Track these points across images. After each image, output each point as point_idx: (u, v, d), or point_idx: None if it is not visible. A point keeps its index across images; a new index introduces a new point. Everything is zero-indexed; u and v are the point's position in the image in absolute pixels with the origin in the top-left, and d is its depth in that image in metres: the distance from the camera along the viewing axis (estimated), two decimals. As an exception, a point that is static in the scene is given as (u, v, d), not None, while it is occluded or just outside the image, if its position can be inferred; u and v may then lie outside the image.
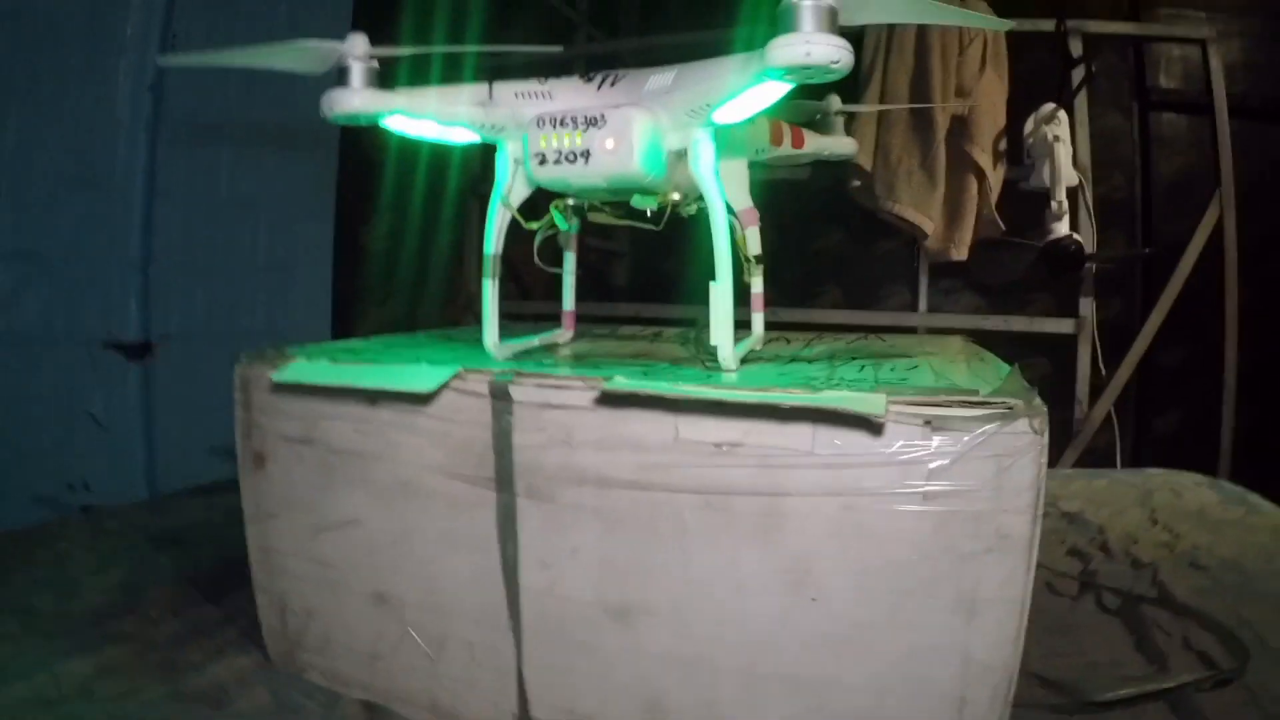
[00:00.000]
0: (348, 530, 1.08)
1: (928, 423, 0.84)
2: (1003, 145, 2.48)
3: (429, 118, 1.04)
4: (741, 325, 1.01)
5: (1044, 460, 0.83)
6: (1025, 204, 2.45)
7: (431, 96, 1.04)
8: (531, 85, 1.04)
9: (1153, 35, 2.87)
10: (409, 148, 2.49)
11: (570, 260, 1.29)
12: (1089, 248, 2.38)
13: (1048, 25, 2.58)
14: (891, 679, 0.88)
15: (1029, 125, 2.35)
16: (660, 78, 0.99)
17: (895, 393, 0.88)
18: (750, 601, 0.90)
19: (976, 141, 2.44)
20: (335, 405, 1.06)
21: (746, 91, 0.90)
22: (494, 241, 1.09)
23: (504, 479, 0.97)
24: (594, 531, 0.94)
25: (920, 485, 0.84)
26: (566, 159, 0.97)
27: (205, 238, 2.05)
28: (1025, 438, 0.83)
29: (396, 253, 2.64)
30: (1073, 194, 2.33)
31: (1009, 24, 1.00)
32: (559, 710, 1.01)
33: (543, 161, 0.98)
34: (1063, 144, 2.23)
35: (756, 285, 1.17)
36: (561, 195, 1.10)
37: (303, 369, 1.04)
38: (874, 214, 2.67)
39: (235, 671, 1.16)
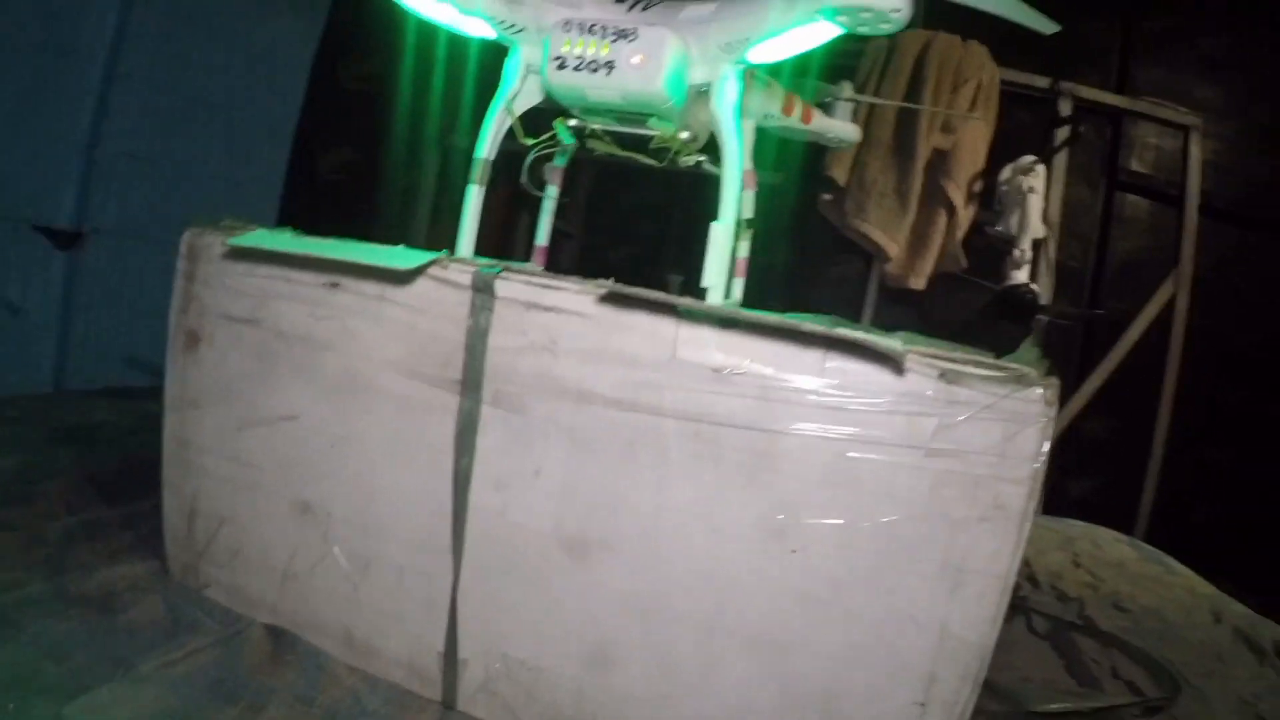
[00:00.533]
0: (280, 426, 0.98)
1: (942, 375, 0.78)
2: (978, 187, 2.53)
3: (449, 1, 0.99)
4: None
5: (1050, 433, 0.79)
6: (989, 250, 2.47)
7: None
8: None
9: (1140, 112, 2.96)
10: (381, 85, 2.42)
11: (553, 192, 1.22)
12: (1044, 299, 2.41)
13: (1042, 82, 2.65)
14: (862, 647, 0.82)
15: (1006, 173, 2.38)
16: (698, 8, 0.96)
17: (911, 342, 0.82)
18: (725, 547, 0.83)
19: (954, 177, 2.46)
20: (292, 285, 0.96)
21: (791, 30, 0.88)
22: (488, 146, 1.03)
23: (471, 382, 0.88)
24: (562, 451, 0.86)
25: (923, 441, 0.79)
26: (588, 67, 0.93)
27: (159, 133, 1.91)
28: (1036, 406, 0.78)
29: (351, 188, 2.52)
30: (1037, 248, 2.36)
31: (1054, 26, 0.99)
32: (491, 653, 0.91)
33: (562, 66, 0.94)
34: (1036, 196, 2.27)
35: (743, 250, 1.15)
36: (567, 114, 1.05)
37: (267, 236, 0.95)
38: (831, 237, 2.67)
39: (128, 579, 1.05)
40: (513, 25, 1.00)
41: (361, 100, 2.47)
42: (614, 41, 0.92)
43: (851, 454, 0.80)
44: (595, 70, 0.93)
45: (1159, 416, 2.66)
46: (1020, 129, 2.76)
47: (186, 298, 1.04)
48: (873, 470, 0.80)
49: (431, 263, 0.88)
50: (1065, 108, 2.63)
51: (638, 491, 0.84)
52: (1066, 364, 2.96)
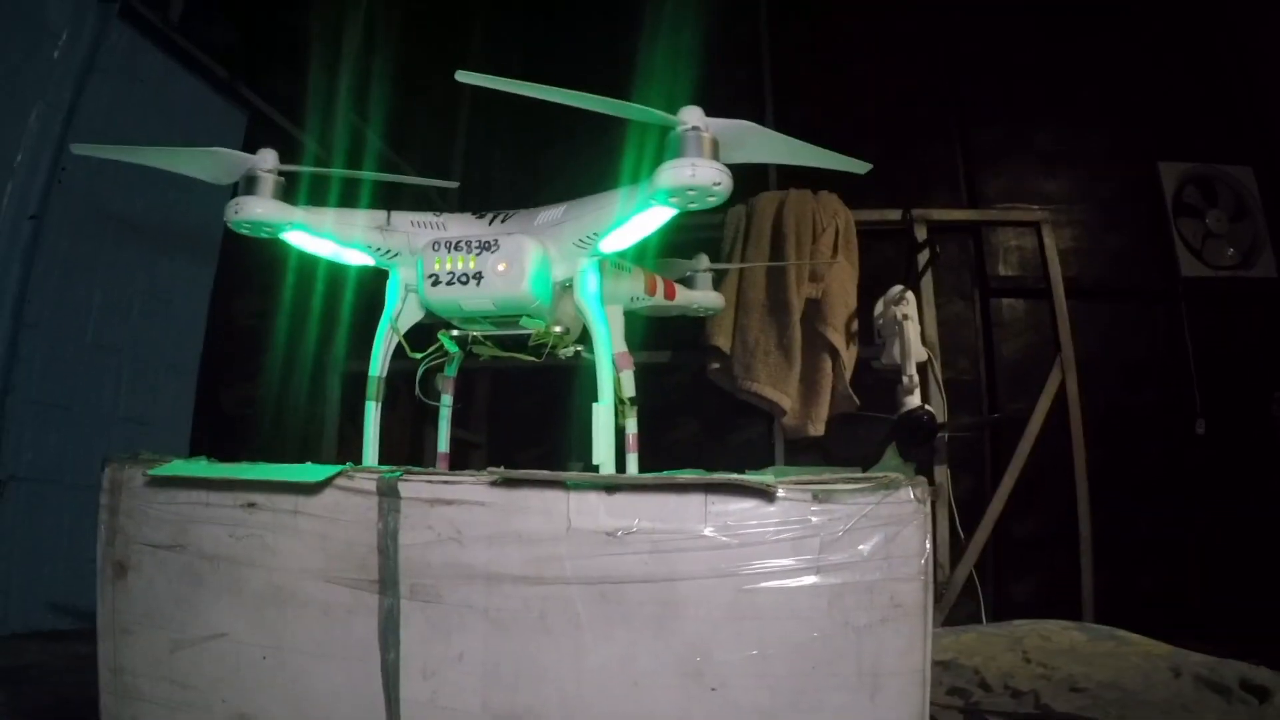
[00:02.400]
0: (212, 645, 1.00)
1: (816, 496, 0.86)
2: (854, 326, 2.64)
3: (328, 236, 1.10)
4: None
5: (929, 528, 0.86)
6: (882, 383, 2.59)
7: (330, 216, 1.10)
8: (427, 216, 1.12)
9: (991, 220, 3.17)
10: (272, 316, 2.53)
11: (448, 400, 1.29)
12: (940, 418, 2.48)
13: (895, 214, 2.84)
14: (796, 771, 0.85)
15: (879, 307, 2.50)
16: (550, 212, 1.08)
17: (781, 473, 0.90)
18: (648, 697, 0.87)
19: (830, 322, 2.58)
20: (210, 509, 1.01)
21: (633, 218, 0.99)
22: (380, 365, 1.11)
23: (388, 580, 0.93)
24: (481, 632, 0.90)
25: (812, 559, 0.85)
26: (459, 280, 1.03)
27: (68, 379, 1.96)
28: (909, 506, 0.85)
29: (256, 419, 2.59)
30: (923, 370, 2.46)
31: (865, 166, 1.08)
32: (443, 842, 0.92)
33: (436, 283, 1.04)
34: (911, 322, 2.37)
35: (631, 426, 1.21)
36: (448, 326, 1.15)
37: (184, 465, 1.00)
38: (729, 403, 2.77)
39: (79, 818, 1.03)
40: (388, 251, 1.10)
41: (257, 336, 2.55)
42: (479, 254, 1.02)
43: (747, 586, 0.85)
44: (466, 282, 1.03)
45: (1078, 499, 2.71)
46: (886, 261, 2.94)
47: (111, 530, 1.07)
48: (772, 598, 0.86)
49: (338, 474, 0.94)
50: (921, 233, 2.79)
51: (557, 659, 0.88)
52: (980, 474, 3.06)
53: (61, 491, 1.89)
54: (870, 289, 2.59)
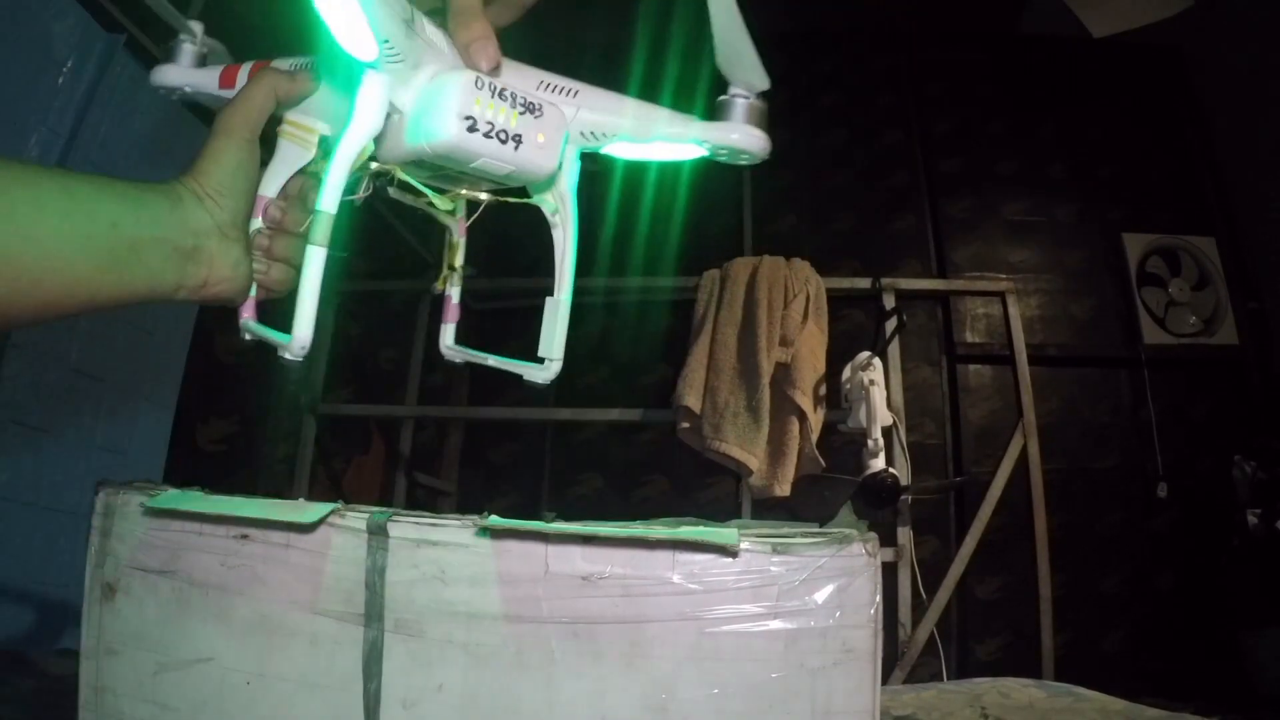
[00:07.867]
0: (197, 669, 1.04)
1: (775, 549, 0.93)
2: (823, 390, 2.79)
3: None
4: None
5: (879, 580, 0.94)
6: (848, 445, 2.69)
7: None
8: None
9: (957, 290, 3.34)
10: (252, 356, 2.58)
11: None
12: (904, 481, 2.61)
13: (865, 283, 2.98)
14: (750, 805, 0.91)
15: (847, 372, 2.65)
16: (557, 81, 0.90)
17: (745, 528, 0.97)
18: (614, 731, 0.93)
19: (798, 386, 2.70)
20: (203, 538, 1.05)
21: (659, 142, 0.87)
22: (333, 200, 0.83)
23: (373, 614, 0.98)
24: (461, 666, 0.96)
25: (771, 606, 0.93)
26: (497, 136, 0.82)
27: (49, 402, 1.98)
28: (861, 559, 0.94)
29: (231, 457, 2.61)
30: (888, 433, 2.58)
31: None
32: None
33: (472, 128, 0.80)
34: (877, 387, 2.51)
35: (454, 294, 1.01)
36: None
37: (181, 497, 1.05)
38: (699, 462, 2.88)
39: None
40: (397, 54, 0.81)
41: (236, 374, 2.61)
42: (522, 114, 0.84)
43: (710, 630, 0.93)
44: (504, 141, 0.82)
45: (1038, 560, 2.84)
46: (857, 327, 3.07)
47: (102, 553, 1.10)
48: (733, 641, 0.93)
49: (331, 512, 1.00)
50: (890, 301, 2.95)
51: (531, 692, 0.94)
52: (944, 535, 3.18)
53: (35, 514, 1.92)
54: (841, 354, 2.70)
